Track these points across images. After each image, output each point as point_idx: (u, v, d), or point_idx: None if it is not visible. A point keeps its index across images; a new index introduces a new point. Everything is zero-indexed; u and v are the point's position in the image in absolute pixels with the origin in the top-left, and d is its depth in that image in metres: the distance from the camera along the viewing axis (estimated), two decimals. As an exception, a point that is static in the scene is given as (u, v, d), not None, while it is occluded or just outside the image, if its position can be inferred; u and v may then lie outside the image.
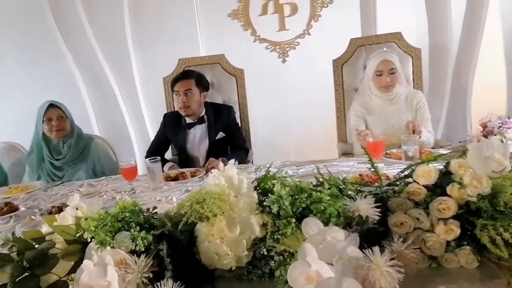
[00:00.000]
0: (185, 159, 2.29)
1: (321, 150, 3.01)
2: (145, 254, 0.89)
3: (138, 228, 0.93)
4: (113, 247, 0.91)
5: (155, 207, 1.03)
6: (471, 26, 3.15)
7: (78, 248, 0.97)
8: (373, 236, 0.91)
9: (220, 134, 2.27)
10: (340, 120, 2.63)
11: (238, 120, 2.58)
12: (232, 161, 1.03)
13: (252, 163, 2.54)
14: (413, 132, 2.08)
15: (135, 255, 0.89)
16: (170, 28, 3.30)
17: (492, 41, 3.16)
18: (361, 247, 0.84)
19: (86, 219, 0.98)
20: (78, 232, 0.95)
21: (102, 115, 3.50)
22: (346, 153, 2.37)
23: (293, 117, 3.47)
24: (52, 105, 2.25)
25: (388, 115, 2.27)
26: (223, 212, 0.95)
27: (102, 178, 2.05)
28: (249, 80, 3.02)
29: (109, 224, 0.94)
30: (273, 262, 0.92)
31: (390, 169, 1.72)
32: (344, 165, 1.94)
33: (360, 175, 1.59)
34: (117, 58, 3.36)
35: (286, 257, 0.92)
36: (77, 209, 1.07)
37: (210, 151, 2.25)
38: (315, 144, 3.40)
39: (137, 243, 0.90)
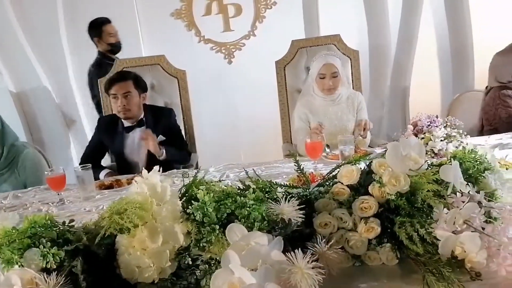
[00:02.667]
0: (123, 165, 2.19)
1: (271, 151, 3.02)
2: (57, 272, 0.83)
3: (49, 244, 0.86)
4: (22, 266, 0.84)
5: (71, 220, 0.96)
6: (407, 29, 3.32)
7: (-17, 269, 0.88)
8: (298, 238, 0.91)
9: (160, 138, 2.19)
10: (285, 121, 2.65)
11: (181, 123, 2.52)
12: (156, 168, 0.99)
13: (197, 167, 2.49)
14: (364, 130, 2.15)
15: (45, 273, 0.82)
16: (109, 28, 3.16)
17: (426, 44, 3.35)
18: (285, 251, 0.83)
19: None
20: (-20, 252, 0.86)
21: (35, 121, 3.26)
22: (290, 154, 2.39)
23: (242, 118, 3.46)
24: None
25: (331, 116, 2.32)
26: (146, 222, 0.90)
27: (30, 188, 1.90)
28: (195, 81, 2.95)
29: (17, 240, 0.86)
30: (199, 271, 0.89)
31: (329, 169, 1.75)
32: (286, 166, 1.95)
33: (298, 176, 1.60)
34: (52, 60, 3.16)
35: (212, 265, 0.89)
36: (-13, 225, 0.97)
37: (150, 156, 2.17)
38: (265, 145, 3.40)
39: (48, 260, 0.84)
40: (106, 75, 2.45)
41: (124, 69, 2.45)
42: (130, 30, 3.18)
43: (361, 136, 2.17)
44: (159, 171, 0.99)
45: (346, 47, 2.56)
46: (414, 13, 3.26)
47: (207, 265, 0.89)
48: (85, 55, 3.19)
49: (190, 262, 0.89)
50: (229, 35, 3.35)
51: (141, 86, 2.22)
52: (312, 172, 1.57)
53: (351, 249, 0.91)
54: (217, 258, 0.89)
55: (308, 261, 0.79)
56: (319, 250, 0.86)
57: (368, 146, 2.27)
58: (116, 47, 3.02)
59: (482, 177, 1.01)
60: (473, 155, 1.05)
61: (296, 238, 0.91)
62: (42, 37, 3.14)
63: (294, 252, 0.81)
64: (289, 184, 1.15)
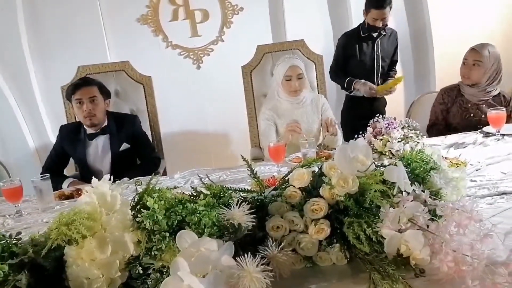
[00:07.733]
0: (87, 174, 2.14)
1: (242, 154, 3.02)
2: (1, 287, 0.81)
3: (-8, 258, 0.83)
4: (-37, 283, 0.81)
5: (19, 233, 0.93)
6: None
7: None
8: (251, 242, 0.92)
9: (124, 145, 2.16)
10: (252, 125, 2.66)
11: (148, 129, 2.49)
12: (106, 176, 0.98)
13: (166, 173, 2.46)
14: (328, 128, 2.19)
15: (-13, 289, 0.80)
16: (73, 34, 3.07)
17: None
18: (238, 255, 0.84)
19: None
20: None
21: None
22: (257, 158, 2.40)
23: (211, 123, 3.45)
24: None
25: (296, 118, 2.35)
26: (95, 232, 0.89)
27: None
28: (163, 87, 2.93)
29: (-42, 256, 0.83)
30: (150, 280, 0.88)
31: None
32: (252, 170, 1.95)
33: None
34: (12, 67, 3.04)
35: (164, 273, 0.89)
36: None
37: (114, 164, 2.13)
38: (235, 150, 3.41)
39: (-10, 275, 0.81)
40: None
41: (87, 76, 2.40)
42: (95, 36, 3.11)
43: (328, 134, 2.22)
44: (110, 180, 0.98)
45: (310, 51, 2.60)
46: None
47: (158, 274, 0.88)
48: (49, 61, 3.11)
49: (141, 271, 0.88)
50: (197, 41, 3.34)
51: (106, 92, 2.20)
52: (274, 176, 1.58)
53: (302, 251, 0.92)
54: (169, 266, 0.88)
55: (257, 265, 0.80)
56: (270, 253, 0.87)
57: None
58: None
59: (428, 176, 1.05)
60: (420, 156, 1.09)
61: (249, 242, 0.91)
62: (1, 42, 3.03)
63: (244, 256, 0.81)
64: (249, 188, 1.16)
